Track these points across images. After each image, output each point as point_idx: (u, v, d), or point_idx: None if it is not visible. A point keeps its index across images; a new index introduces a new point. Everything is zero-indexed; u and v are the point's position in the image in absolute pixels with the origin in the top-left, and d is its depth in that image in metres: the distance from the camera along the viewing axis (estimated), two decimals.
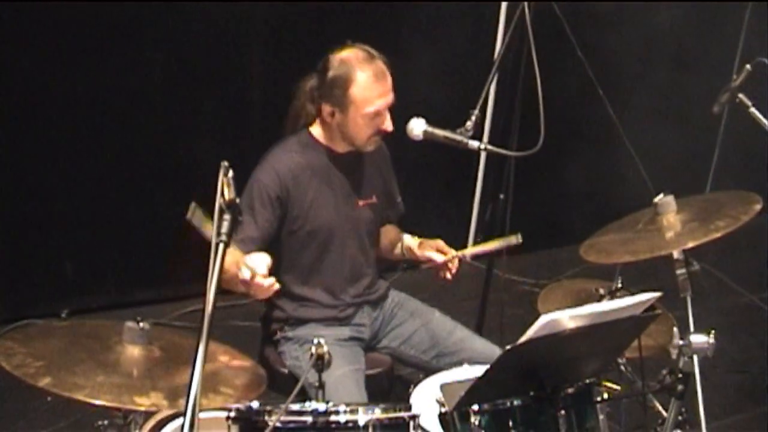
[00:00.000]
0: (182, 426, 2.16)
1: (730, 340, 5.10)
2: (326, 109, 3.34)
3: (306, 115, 3.42)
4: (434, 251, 3.54)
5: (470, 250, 3.62)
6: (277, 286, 2.99)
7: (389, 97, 3.30)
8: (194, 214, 2.37)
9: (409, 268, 5.57)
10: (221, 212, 2.30)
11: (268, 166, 3.36)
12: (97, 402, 2.34)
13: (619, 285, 3.57)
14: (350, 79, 3.27)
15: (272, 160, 3.39)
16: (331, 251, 3.44)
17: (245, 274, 2.93)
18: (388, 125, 3.32)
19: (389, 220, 3.74)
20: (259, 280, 2.93)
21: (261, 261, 2.97)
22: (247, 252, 3.14)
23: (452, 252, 3.53)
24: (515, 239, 3.51)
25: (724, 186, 6.07)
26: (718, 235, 3.06)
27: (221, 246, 2.27)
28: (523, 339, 2.55)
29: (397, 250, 3.70)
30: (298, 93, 3.44)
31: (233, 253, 3.09)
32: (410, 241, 3.65)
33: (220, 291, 3.14)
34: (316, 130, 3.42)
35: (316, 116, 3.40)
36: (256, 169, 3.37)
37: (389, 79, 3.31)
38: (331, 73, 3.30)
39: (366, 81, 3.26)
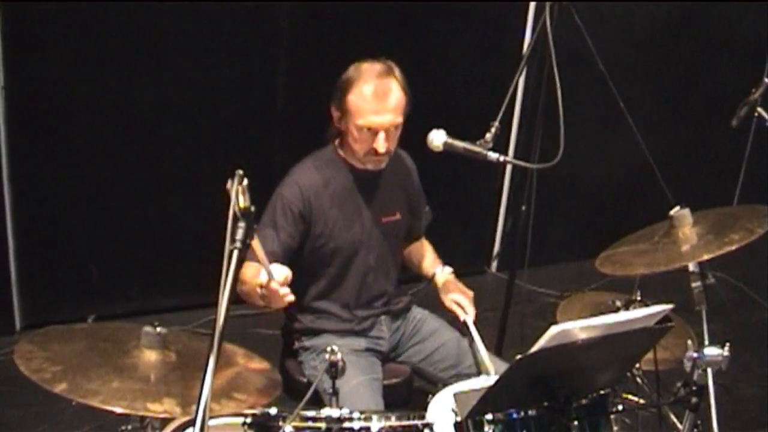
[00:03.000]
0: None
1: (753, 355, 5.09)
2: (335, 113, 3.35)
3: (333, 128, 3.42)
4: (454, 303, 3.55)
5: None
6: (291, 297, 2.93)
7: (385, 118, 3.25)
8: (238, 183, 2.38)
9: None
10: (236, 220, 2.33)
11: (292, 182, 3.36)
12: (111, 408, 2.36)
13: (638, 297, 3.57)
14: (352, 85, 3.26)
15: (296, 175, 3.38)
16: (353, 268, 3.45)
17: (262, 278, 2.91)
18: (380, 147, 3.26)
19: (417, 233, 3.76)
20: (274, 285, 2.88)
21: (280, 270, 2.94)
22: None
23: (464, 317, 3.52)
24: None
25: (752, 199, 6.05)
26: (732, 248, 3.04)
27: (235, 253, 2.29)
28: (534, 349, 2.55)
29: (426, 274, 3.73)
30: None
31: (253, 267, 3.13)
32: (438, 278, 3.66)
33: (243, 300, 3.21)
34: (338, 145, 3.43)
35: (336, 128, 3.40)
36: (280, 185, 3.38)
37: (392, 99, 3.26)
38: (342, 76, 3.31)
39: (364, 93, 3.24)
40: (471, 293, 3.59)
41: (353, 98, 3.26)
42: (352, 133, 3.29)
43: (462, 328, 3.56)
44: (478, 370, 3.46)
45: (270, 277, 2.90)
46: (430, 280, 3.71)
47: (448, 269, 3.69)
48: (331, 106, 3.36)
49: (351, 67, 3.32)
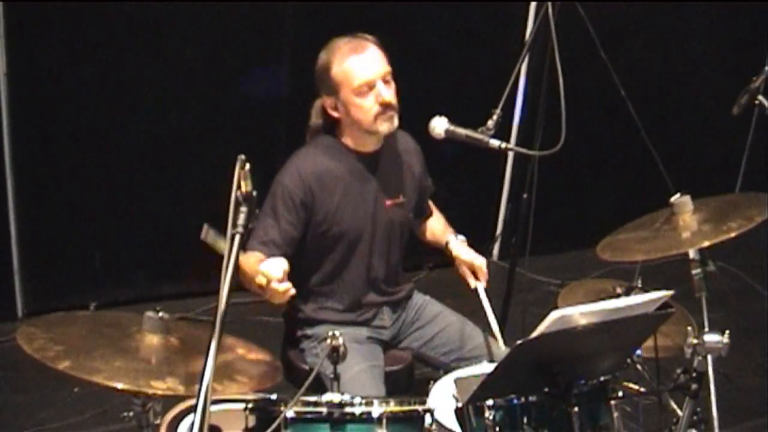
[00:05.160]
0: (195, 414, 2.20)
1: (755, 344, 5.10)
2: (328, 102, 3.33)
3: (319, 125, 3.42)
4: (469, 273, 3.55)
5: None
6: (293, 291, 2.93)
7: (374, 67, 3.24)
8: (208, 234, 2.43)
9: (435, 267, 5.61)
10: (237, 204, 2.34)
11: (292, 169, 3.34)
12: (114, 385, 2.37)
13: (639, 284, 3.58)
14: (331, 61, 3.26)
15: (296, 163, 3.36)
16: (357, 253, 3.44)
17: (260, 281, 2.90)
18: (384, 95, 3.24)
19: (426, 212, 3.76)
20: (274, 285, 2.88)
21: (277, 266, 2.92)
22: (270, 255, 3.14)
23: (474, 284, 3.53)
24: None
25: (754, 187, 6.06)
26: (731, 235, 3.05)
27: (237, 237, 2.30)
28: (534, 334, 2.55)
29: (442, 248, 3.70)
30: (312, 108, 3.45)
31: (255, 257, 3.15)
32: (453, 245, 3.64)
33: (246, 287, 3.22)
34: (337, 132, 3.41)
35: (329, 120, 3.39)
36: (279, 172, 3.36)
37: (371, 49, 3.27)
38: (317, 65, 3.32)
39: (343, 58, 3.24)
40: (484, 260, 3.56)
41: (337, 70, 3.26)
42: (354, 104, 3.26)
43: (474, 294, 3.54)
44: (487, 349, 3.48)
45: (269, 278, 2.89)
46: (444, 247, 3.68)
47: (462, 237, 3.66)
48: (322, 98, 3.36)
49: (319, 55, 3.32)
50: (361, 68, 3.23)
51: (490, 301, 3.50)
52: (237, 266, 2.31)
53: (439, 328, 3.60)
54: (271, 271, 2.89)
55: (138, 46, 4.98)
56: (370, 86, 3.24)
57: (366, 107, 3.26)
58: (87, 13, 4.78)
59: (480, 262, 3.54)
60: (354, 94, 3.25)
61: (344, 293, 3.48)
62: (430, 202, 3.80)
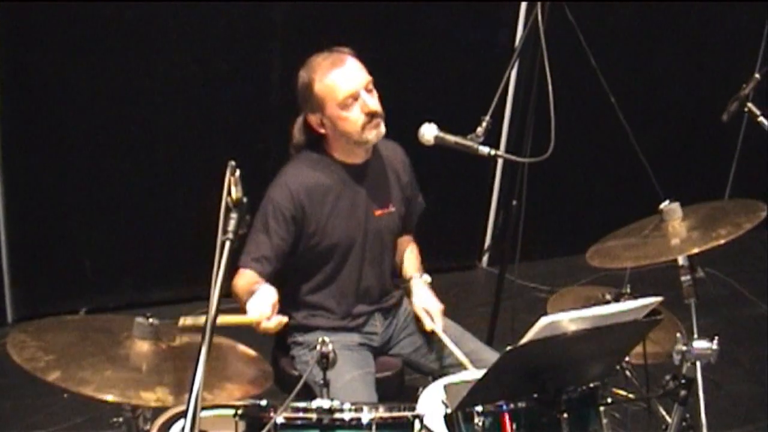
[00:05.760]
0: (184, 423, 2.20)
1: (744, 350, 5.12)
2: (313, 120, 3.34)
3: (304, 141, 3.43)
4: (423, 312, 3.52)
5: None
6: (284, 320, 3.00)
7: (356, 78, 3.26)
8: (185, 322, 2.54)
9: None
10: (228, 211, 2.34)
11: (282, 184, 3.34)
12: (103, 397, 2.37)
13: (628, 291, 3.59)
14: (312, 79, 3.27)
15: (285, 178, 3.36)
16: (348, 263, 3.45)
17: (251, 315, 2.96)
18: (369, 104, 3.25)
19: (408, 227, 3.75)
20: (264, 325, 2.95)
21: (265, 303, 2.98)
22: (262, 271, 3.21)
23: (430, 326, 3.50)
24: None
25: (743, 194, 6.09)
26: (719, 242, 3.06)
27: (227, 244, 2.30)
28: (523, 341, 2.56)
29: (404, 274, 3.69)
30: (295, 124, 3.45)
31: (247, 279, 3.19)
32: (414, 287, 3.62)
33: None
34: (324, 145, 3.41)
35: (315, 135, 3.39)
36: (269, 188, 3.36)
37: (350, 61, 3.28)
38: (298, 85, 3.33)
39: (324, 74, 3.25)
40: (440, 306, 3.56)
41: (320, 87, 3.27)
42: (339, 117, 3.27)
43: (429, 335, 3.55)
44: (477, 354, 3.46)
45: (259, 320, 2.93)
46: (406, 281, 3.67)
47: (427, 278, 3.66)
48: (306, 116, 3.36)
49: (299, 74, 3.33)
50: (343, 81, 3.25)
51: (450, 336, 3.49)
52: (226, 274, 2.30)
53: (428, 336, 3.59)
54: (260, 310, 2.95)
55: (129, 54, 4.97)
56: (355, 97, 3.26)
57: (353, 119, 3.27)
58: (78, 18, 4.77)
59: (436, 308, 3.53)
60: (339, 107, 3.26)
61: (335, 301, 3.48)
62: (409, 238, 3.80)
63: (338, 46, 3.35)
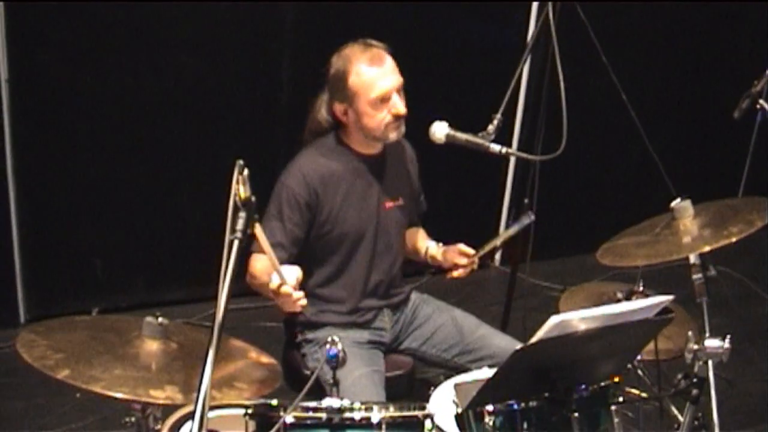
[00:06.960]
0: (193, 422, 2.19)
1: (757, 349, 5.09)
2: (338, 108, 3.35)
3: (325, 122, 3.43)
4: (458, 255, 3.52)
5: (489, 245, 3.50)
6: (304, 302, 3.00)
7: (391, 80, 3.28)
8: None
9: (436, 272, 5.60)
10: (236, 210, 2.34)
11: (296, 171, 3.35)
12: (113, 394, 2.37)
13: (641, 289, 3.58)
14: (348, 71, 3.28)
15: (300, 164, 3.37)
16: (358, 254, 3.45)
17: (274, 281, 2.95)
18: (399, 108, 3.29)
19: (414, 221, 3.75)
20: (285, 288, 2.94)
21: (291, 273, 2.98)
22: (277, 258, 3.18)
23: (473, 252, 3.49)
24: (528, 218, 3.42)
25: (756, 191, 6.06)
26: (731, 240, 3.05)
27: (235, 243, 2.30)
28: (533, 339, 2.56)
29: (421, 256, 3.69)
30: (315, 105, 3.44)
31: (262, 261, 3.18)
32: (434, 249, 3.63)
33: (248, 293, 3.22)
34: (340, 133, 3.43)
35: (335, 121, 3.41)
36: (283, 174, 3.37)
37: (388, 61, 3.30)
38: (332, 71, 3.33)
39: (363, 68, 3.26)
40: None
41: (355, 79, 3.27)
42: (367, 114, 3.29)
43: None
44: (487, 339, 3.52)
45: (282, 280, 2.91)
46: (424, 254, 3.67)
47: (440, 244, 3.66)
48: (333, 103, 3.36)
49: (332, 59, 3.34)
50: (380, 81, 3.27)
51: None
52: (235, 273, 2.30)
53: (436, 326, 3.61)
54: (286, 276, 2.94)
55: (138, 54, 4.97)
56: (387, 98, 3.28)
57: (379, 118, 3.30)
58: (87, 19, 4.78)
59: (462, 246, 3.53)
60: (370, 105, 3.28)
61: (345, 295, 3.48)
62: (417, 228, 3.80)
63: (390, 50, 3.35)
